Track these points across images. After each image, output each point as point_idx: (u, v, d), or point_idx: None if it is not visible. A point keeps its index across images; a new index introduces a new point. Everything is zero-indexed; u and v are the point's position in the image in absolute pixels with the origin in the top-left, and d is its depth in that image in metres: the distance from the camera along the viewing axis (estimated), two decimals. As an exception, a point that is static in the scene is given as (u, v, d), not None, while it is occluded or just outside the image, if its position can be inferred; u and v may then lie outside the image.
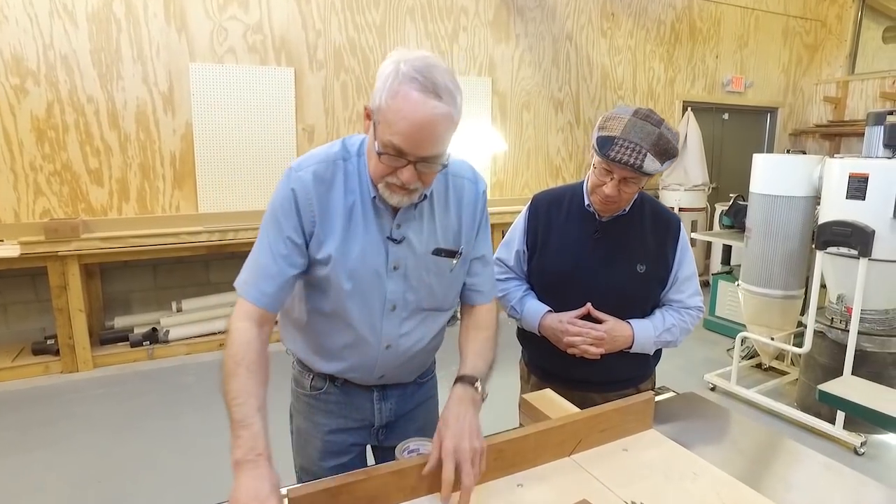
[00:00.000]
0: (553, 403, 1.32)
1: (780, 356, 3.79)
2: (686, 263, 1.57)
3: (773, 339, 3.29)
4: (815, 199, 3.25)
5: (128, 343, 3.83)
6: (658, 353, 1.64)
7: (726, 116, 6.60)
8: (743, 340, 3.44)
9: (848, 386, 1.97)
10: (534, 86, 5.34)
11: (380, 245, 1.16)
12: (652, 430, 1.33)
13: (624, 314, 1.51)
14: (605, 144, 1.35)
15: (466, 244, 1.25)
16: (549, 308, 1.54)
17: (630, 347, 1.50)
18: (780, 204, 3.27)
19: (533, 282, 1.62)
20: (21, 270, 3.73)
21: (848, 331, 2.82)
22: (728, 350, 4.18)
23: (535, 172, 5.50)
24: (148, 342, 3.83)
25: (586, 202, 1.53)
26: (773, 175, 3.32)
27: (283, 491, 0.99)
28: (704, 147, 5.76)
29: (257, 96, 4.17)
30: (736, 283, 3.72)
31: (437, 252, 1.21)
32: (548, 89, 5.42)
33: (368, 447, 1.42)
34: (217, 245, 3.92)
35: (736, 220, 4.23)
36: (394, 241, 1.16)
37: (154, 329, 3.91)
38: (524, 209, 1.65)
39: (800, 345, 3.11)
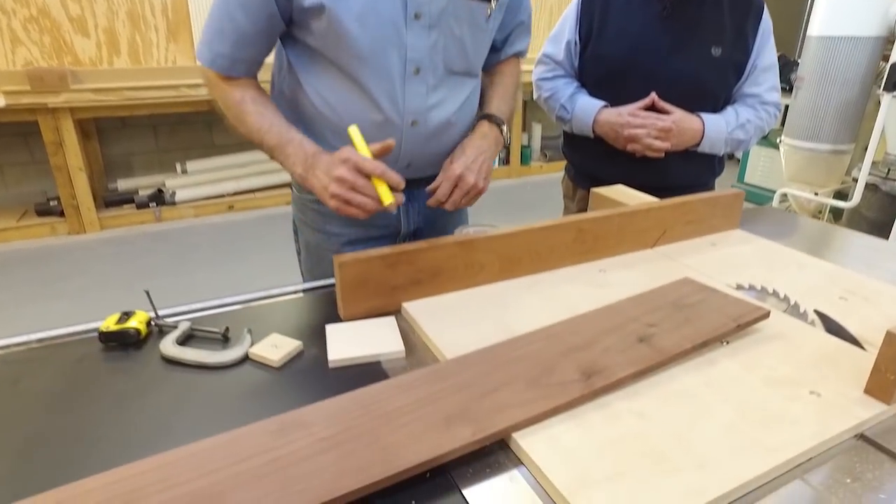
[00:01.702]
0: (629, 195, 1.14)
1: (816, 214, 3.61)
2: (767, 51, 1.34)
3: (816, 194, 3.10)
4: (886, 40, 2.91)
5: (133, 205, 3.66)
6: (721, 161, 1.46)
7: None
8: (783, 197, 3.25)
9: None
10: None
11: None
12: (739, 230, 1.16)
13: (693, 108, 1.30)
14: None
15: None
16: (606, 103, 1.33)
17: (698, 144, 1.31)
18: (842, 46, 2.93)
19: (586, 76, 1.40)
20: (11, 128, 3.48)
21: (905, 182, 2.61)
22: (758, 217, 4.01)
23: None
24: (154, 204, 3.66)
25: None
26: (838, 13, 2.95)
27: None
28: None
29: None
30: (778, 139, 3.46)
31: None
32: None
33: None
34: (219, 101, 3.62)
35: (781, 76, 3.88)
36: None
37: (160, 191, 3.73)
38: None
39: (843, 200, 2.92)
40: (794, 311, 0.82)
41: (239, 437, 0.56)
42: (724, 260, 1.01)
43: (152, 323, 0.80)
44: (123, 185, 3.84)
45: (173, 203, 3.72)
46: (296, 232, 1.19)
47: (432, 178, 1.13)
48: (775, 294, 0.86)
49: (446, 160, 0.97)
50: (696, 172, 1.41)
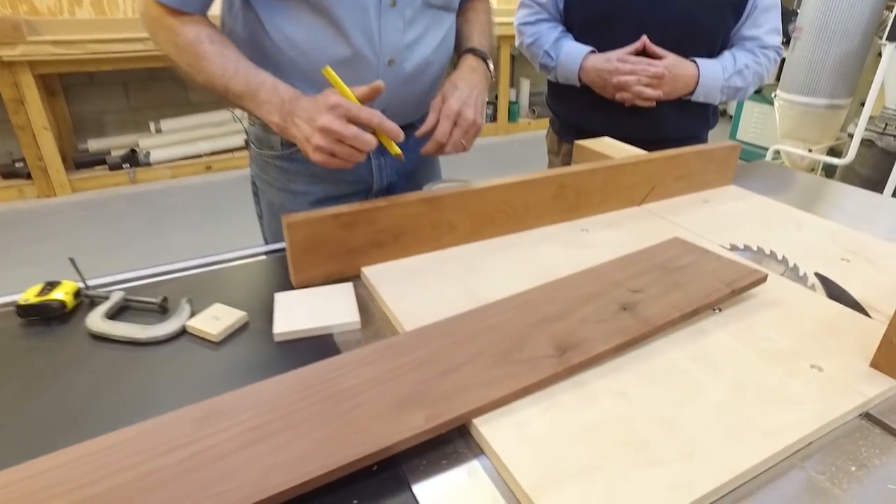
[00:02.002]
0: (615, 148, 1.05)
1: (808, 171, 3.54)
2: None
3: (810, 150, 3.01)
4: (888, -12, 2.78)
5: (106, 166, 3.51)
6: (715, 112, 1.37)
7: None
8: (776, 154, 3.17)
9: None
10: None
11: None
12: (733, 186, 1.08)
13: (687, 54, 1.20)
14: None
15: None
16: (593, 48, 1.23)
17: (692, 93, 1.21)
18: (843, -6, 2.80)
19: (572, 20, 1.29)
20: (-32, 84, 3.29)
21: (902, 137, 2.53)
22: (750, 175, 3.94)
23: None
24: (128, 165, 3.51)
25: None
26: (840, -42, 2.81)
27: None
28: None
29: None
30: (773, 94, 3.35)
31: None
32: None
33: None
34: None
35: (778, 28, 3.73)
36: None
37: (133, 151, 3.57)
38: None
39: (837, 157, 2.84)
40: (793, 274, 0.75)
41: (157, 428, 0.48)
42: (718, 218, 0.93)
43: (82, 294, 0.72)
44: (95, 145, 3.67)
45: (148, 164, 3.57)
46: (256, 193, 1.09)
47: (408, 126, 1.04)
48: (773, 255, 0.78)
49: (436, 98, 0.87)
50: (688, 124, 1.32)
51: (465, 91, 0.86)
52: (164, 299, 0.70)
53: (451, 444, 0.49)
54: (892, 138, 2.68)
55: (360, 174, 1.02)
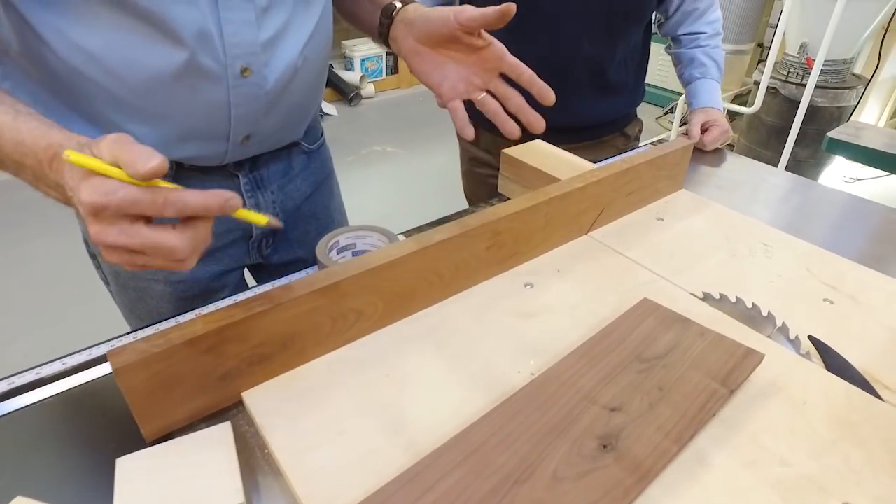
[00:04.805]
0: (554, 158, 0.88)
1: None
2: None
3: (720, 100, 3.01)
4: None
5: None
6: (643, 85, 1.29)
7: None
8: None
9: (854, 130, 1.71)
10: None
11: None
12: (683, 191, 0.95)
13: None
14: None
15: None
16: None
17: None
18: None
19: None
20: None
21: (804, 85, 2.55)
22: (657, 118, 3.95)
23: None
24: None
25: None
26: None
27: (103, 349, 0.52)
28: None
29: None
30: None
31: None
32: None
33: (247, 272, 0.91)
34: None
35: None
36: None
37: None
38: None
39: (744, 105, 2.85)
40: (781, 335, 0.62)
41: None
42: (678, 245, 0.79)
43: None
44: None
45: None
46: (93, 255, 0.81)
47: (279, 154, 0.81)
48: (756, 310, 0.65)
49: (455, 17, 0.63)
50: (615, 106, 1.21)
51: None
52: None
53: None
54: (794, 86, 2.71)
55: (232, 221, 0.77)
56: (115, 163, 0.40)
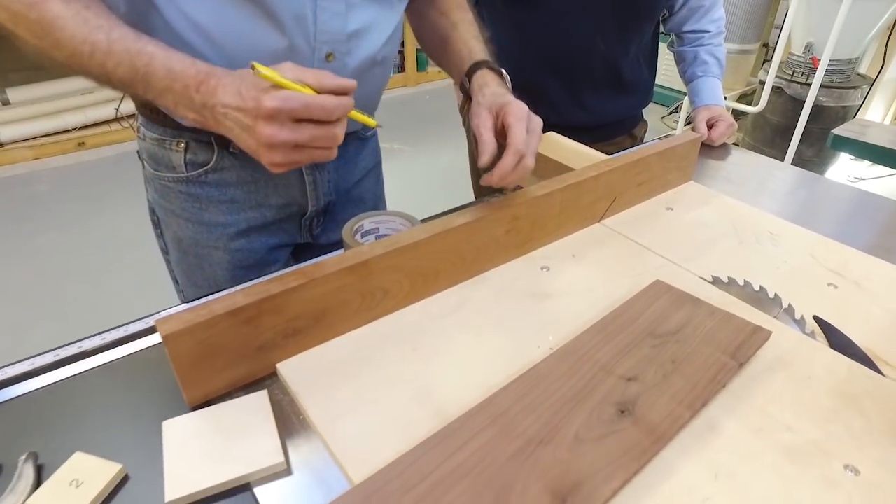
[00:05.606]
0: (567, 150, 0.91)
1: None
2: None
3: (725, 97, 3.03)
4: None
5: (-55, 151, 2.95)
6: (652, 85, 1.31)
7: None
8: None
9: (859, 128, 1.73)
10: None
11: None
12: (692, 182, 0.98)
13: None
14: None
15: None
16: None
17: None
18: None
19: None
20: None
21: (809, 84, 2.57)
22: (662, 118, 3.97)
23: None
24: (-27, 147, 2.97)
25: None
26: None
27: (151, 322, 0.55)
28: None
29: None
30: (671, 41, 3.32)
31: None
32: None
33: (292, 251, 0.95)
34: None
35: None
36: None
37: (-22, 130, 3.01)
38: None
39: (749, 104, 2.87)
40: (787, 316, 0.65)
41: None
42: (687, 233, 0.82)
43: None
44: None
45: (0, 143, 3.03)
46: (157, 224, 0.86)
47: (348, 134, 0.84)
48: (763, 292, 0.68)
49: (483, 113, 0.66)
50: (628, 104, 1.24)
51: (517, 107, 0.65)
52: (-7, 451, 0.49)
53: None
54: (799, 86, 2.73)
55: (292, 196, 0.83)
56: (298, 80, 0.51)
